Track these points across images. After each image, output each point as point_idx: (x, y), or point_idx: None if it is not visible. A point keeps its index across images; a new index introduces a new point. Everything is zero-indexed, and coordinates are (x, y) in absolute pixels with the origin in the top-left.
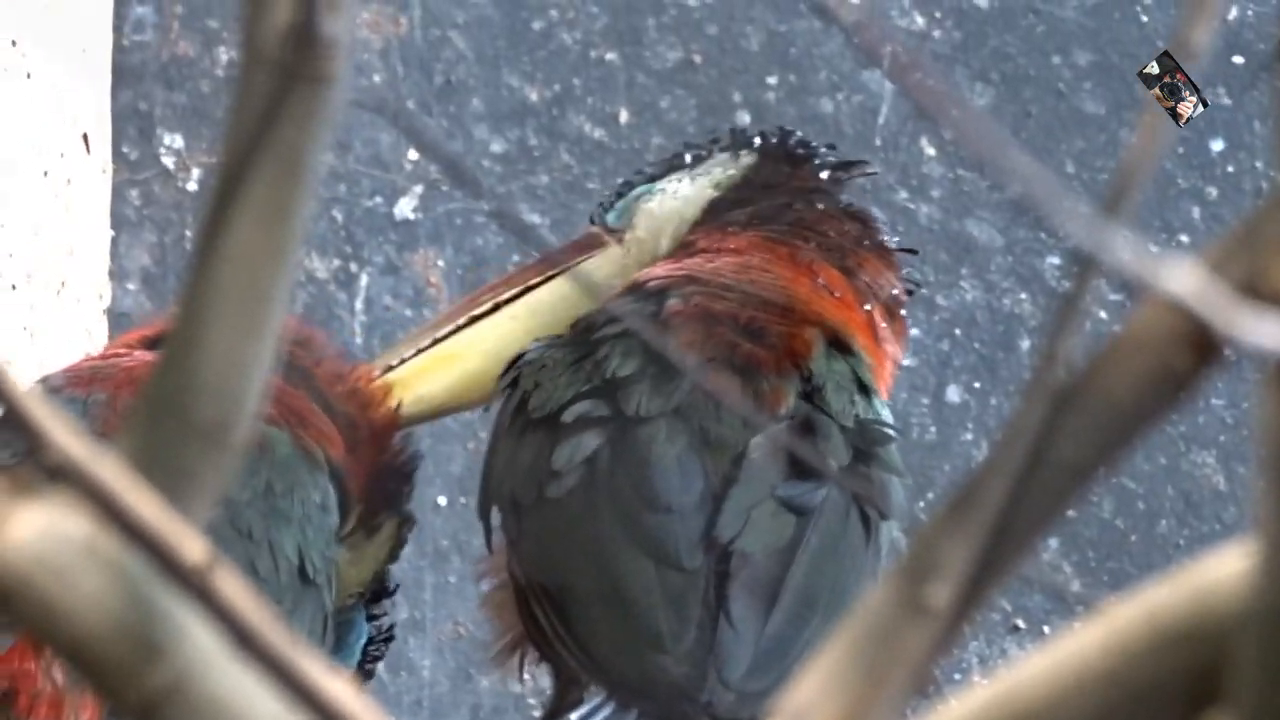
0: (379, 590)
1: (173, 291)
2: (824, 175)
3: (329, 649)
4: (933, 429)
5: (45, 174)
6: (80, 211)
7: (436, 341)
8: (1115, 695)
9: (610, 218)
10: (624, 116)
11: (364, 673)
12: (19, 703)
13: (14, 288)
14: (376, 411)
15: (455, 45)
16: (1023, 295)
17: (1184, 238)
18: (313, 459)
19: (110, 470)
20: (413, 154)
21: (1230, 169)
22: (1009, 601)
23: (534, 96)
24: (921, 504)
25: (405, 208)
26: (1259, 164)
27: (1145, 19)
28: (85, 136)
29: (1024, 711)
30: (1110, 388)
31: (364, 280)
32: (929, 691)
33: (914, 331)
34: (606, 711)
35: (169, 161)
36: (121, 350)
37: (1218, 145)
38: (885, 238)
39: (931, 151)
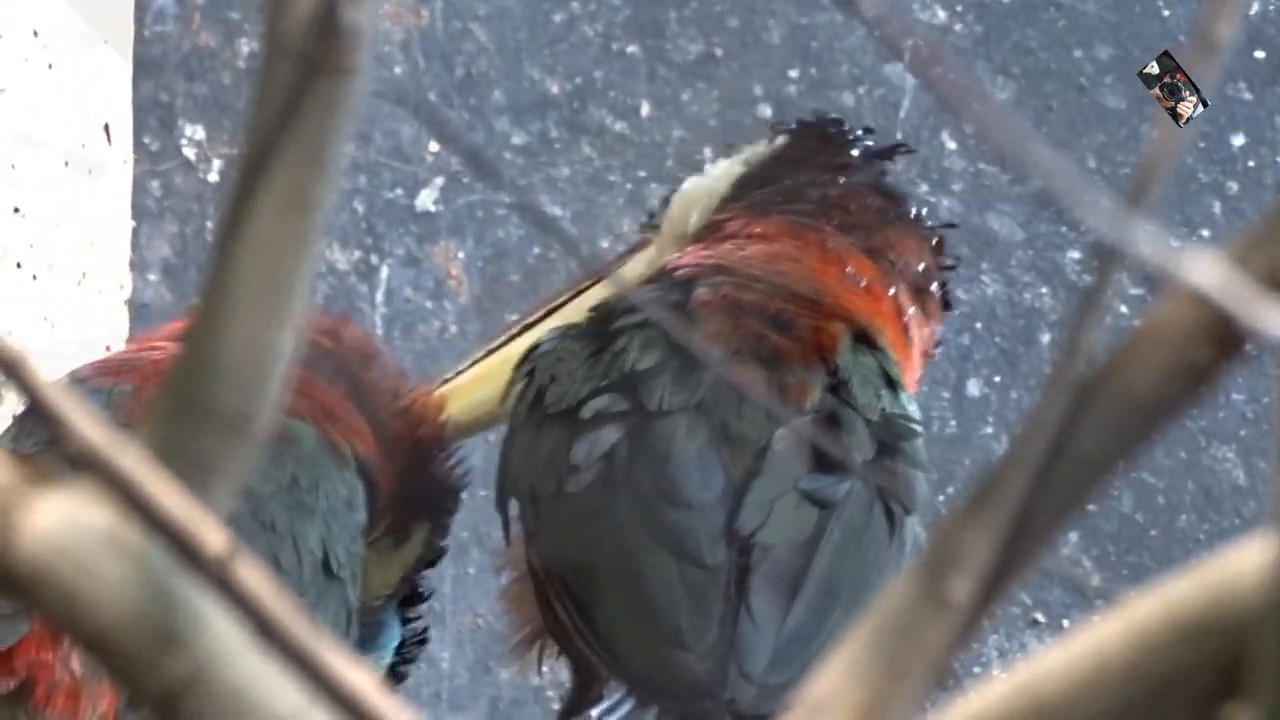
0: (413, 594)
1: (194, 282)
2: (854, 153)
3: (353, 644)
4: (953, 423)
5: (66, 164)
6: (101, 202)
7: (489, 353)
8: (1135, 689)
9: (654, 220)
10: (645, 109)
11: (396, 674)
12: (36, 693)
13: (35, 278)
14: (428, 427)
15: (476, 37)
16: (1043, 289)
17: (1205, 232)
18: (340, 454)
19: (132, 460)
20: (434, 146)
21: (1251, 164)
22: (1029, 595)
23: (555, 89)
24: (942, 498)
25: (426, 200)
26: None
27: (1167, 13)
28: (106, 127)
29: (1043, 705)
30: (1131, 381)
31: (385, 272)
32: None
33: (937, 335)
34: (626, 708)
35: (190, 153)
36: (152, 344)
37: (1239, 140)
38: (913, 212)
39: (952, 145)
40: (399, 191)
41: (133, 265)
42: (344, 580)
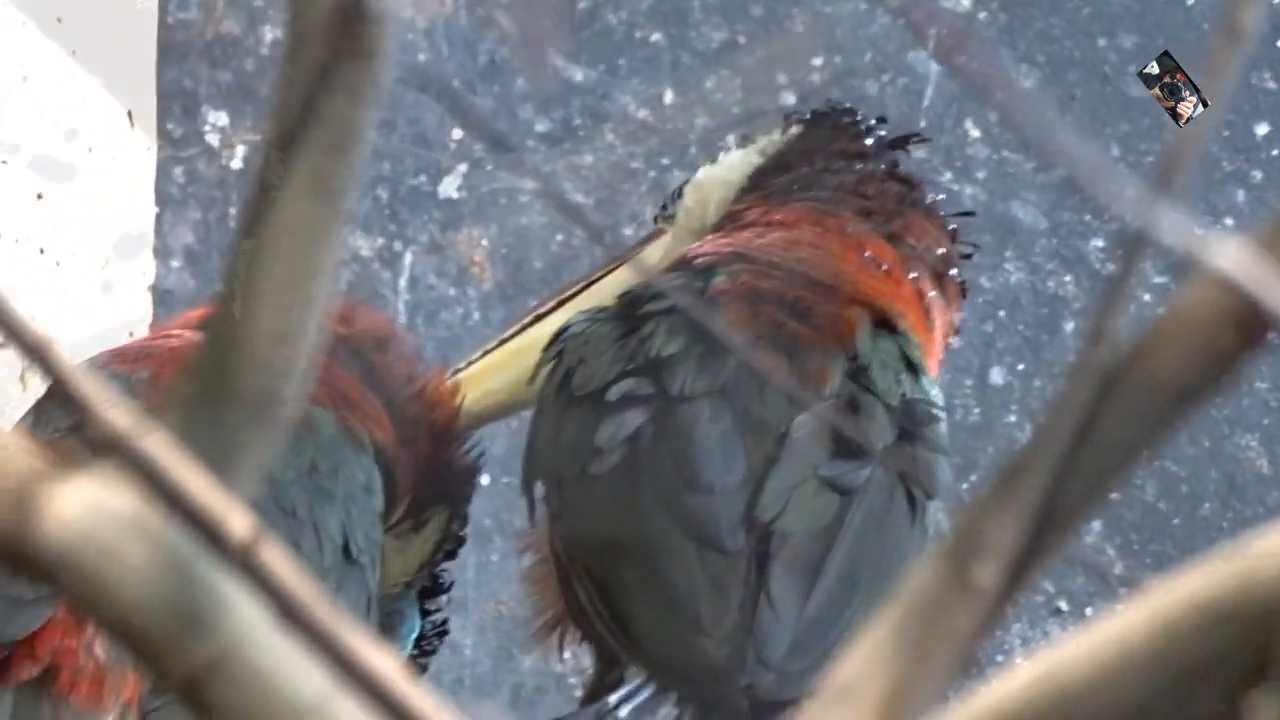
0: (433, 586)
1: (216, 269)
2: (868, 141)
3: (373, 630)
4: (976, 411)
5: (90, 151)
6: (124, 189)
7: (503, 342)
8: (1160, 676)
9: (668, 210)
10: (669, 97)
11: (416, 666)
12: (60, 679)
13: (58, 264)
14: (442, 412)
15: (500, 24)
16: (1067, 277)
17: (1229, 221)
18: (358, 441)
19: (156, 444)
20: (457, 132)
21: (1275, 152)
22: (1052, 584)
23: (579, 76)
24: (965, 486)
25: (450, 186)
26: None
27: (1191, 2)
28: (130, 114)
29: (1068, 692)
30: (1156, 369)
31: (408, 259)
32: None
33: (958, 318)
34: (646, 693)
35: (213, 139)
36: (169, 332)
37: (1262, 129)
38: (930, 198)
39: (976, 133)
40: (422, 178)
41: (156, 251)
42: (364, 565)
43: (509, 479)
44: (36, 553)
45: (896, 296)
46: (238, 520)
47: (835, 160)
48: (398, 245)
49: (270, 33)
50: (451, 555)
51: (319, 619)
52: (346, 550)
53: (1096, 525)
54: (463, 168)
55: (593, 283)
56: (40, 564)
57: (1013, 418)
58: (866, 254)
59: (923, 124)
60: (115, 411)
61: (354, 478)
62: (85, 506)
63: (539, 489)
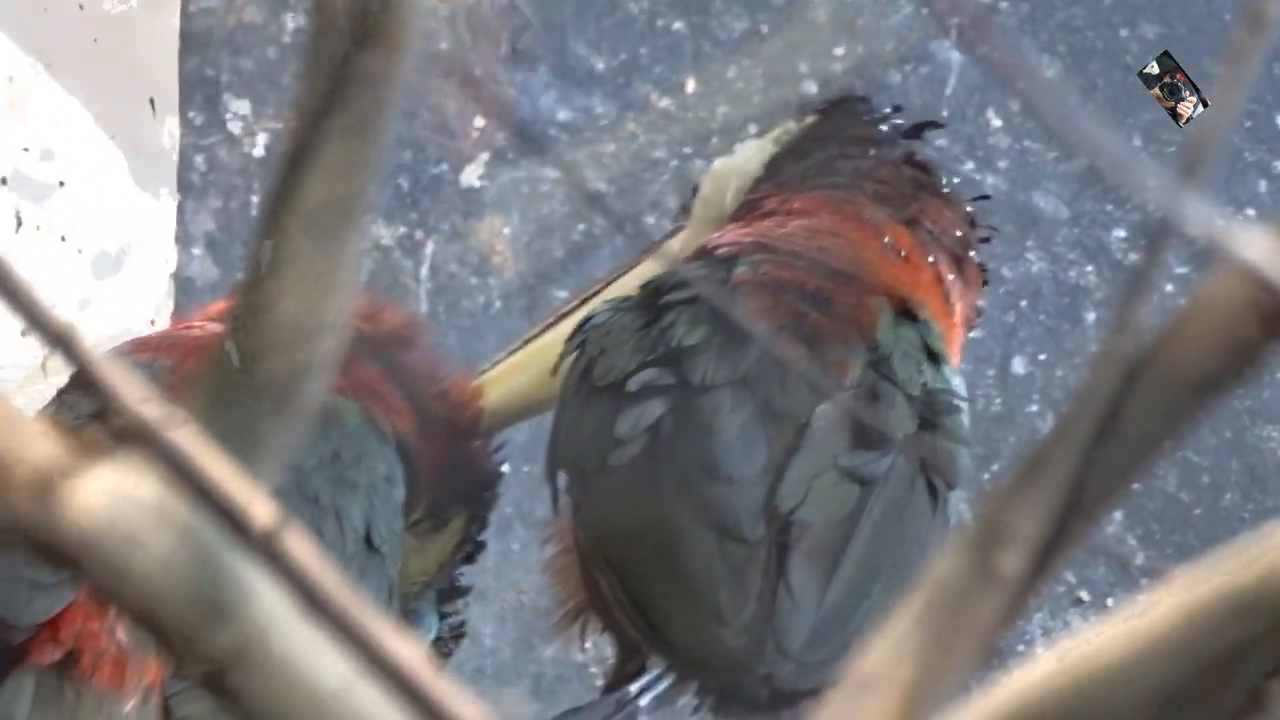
0: (451, 588)
1: (238, 257)
2: (883, 128)
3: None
4: (998, 400)
5: (112, 138)
6: (146, 177)
7: (526, 342)
8: (1184, 665)
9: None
10: (690, 86)
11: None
12: (82, 663)
13: (80, 252)
14: (465, 412)
15: (522, 13)
16: (1088, 267)
17: (1251, 211)
18: (381, 432)
19: (180, 432)
20: (479, 121)
21: None
22: (1073, 574)
23: (601, 65)
24: (987, 475)
25: (471, 175)
26: None
27: None
28: (152, 102)
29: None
30: (1178, 359)
31: (429, 247)
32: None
33: (979, 301)
34: (667, 682)
35: (235, 127)
36: (190, 323)
37: None
38: (943, 183)
39: (998, 123)
40: (444, 167)
41: (177, 240)
42: (385, 555)
43: (530, 468)
44: (60, 539)
45: (917, 284)
46: (261, 508)
47: (850, 147)
48: (419, 234)
49: (292, 20)
50: (470, 559)
51: (342, 607)
52: (369, 539)
53: (1118, 515)
54: (484, 156)
55: (611, 282)
56: (64, 550)
57: (1034, 407)
58: (885, 239)
59: (944, 113)
60: (139, 399)
61: (376, 468)
62: (109, 494)
63: (562, 479)
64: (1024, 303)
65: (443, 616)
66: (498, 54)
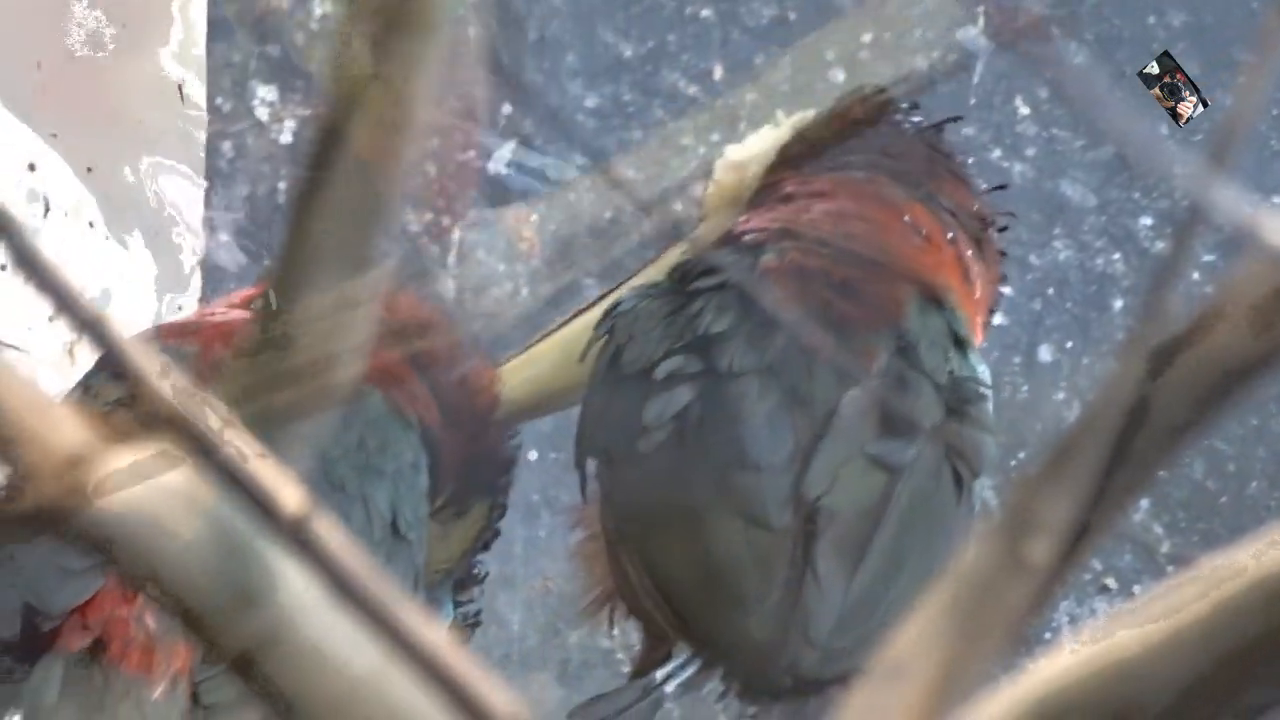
0: (468, 578)
1: (265, 243)
2: (898, 116)
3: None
4: (1025, 388)
5: (140, 123)
6: (174, 163)
7: (547, 334)
8: (1212, 653)
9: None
10: (718, 73)
11: None
12: (111, 649)
13: (107, 238)
14: (484, 399)
15: (550, 1)
16: (1115, 255)
17: (1278, 199)
18: (405, 420)
19: (209, 418)
20: (507, 108)
21: None
22: (1100, 561)
23: (628, 52)
24: (1014, 463)
25: (499, 162)
26: None
27: None
28: (180, 88)
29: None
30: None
31: (457, 234)
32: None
33: (1006, 291)
34: (692, 669)
35: (262, 114)
36: (220, 309)
37: None
38: (957, 160)
39: (1025, 111)
40: (472, 154)
41: (205, 225)
42: (411, 542)
43: (556, 455)
44: (88, 525)
45: (940, 266)
46: (290, 494)
47: (862, 125)
48: (446, 220)
49: (319, 7)
50: (487, 546)
51: (370, 593)
52: (395, 526)
53: (1144, 503)
54: (512, 143)
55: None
56: (92, 536)
57: (1061, 395)
58: (905, 218)
59: (972, 101)
60: (169, 385)
61: (402, 455)
62: (138, 480)
63: (590, 465)
64: (1051, 290)
65: (457, 605)
66: (525, 41)
